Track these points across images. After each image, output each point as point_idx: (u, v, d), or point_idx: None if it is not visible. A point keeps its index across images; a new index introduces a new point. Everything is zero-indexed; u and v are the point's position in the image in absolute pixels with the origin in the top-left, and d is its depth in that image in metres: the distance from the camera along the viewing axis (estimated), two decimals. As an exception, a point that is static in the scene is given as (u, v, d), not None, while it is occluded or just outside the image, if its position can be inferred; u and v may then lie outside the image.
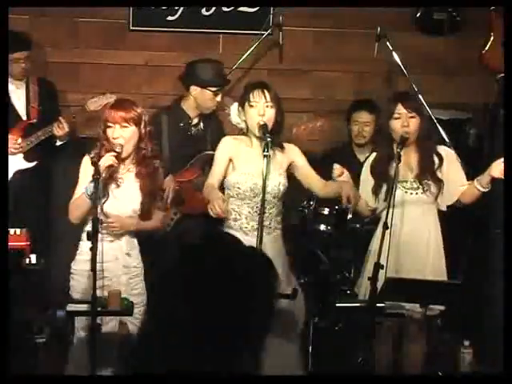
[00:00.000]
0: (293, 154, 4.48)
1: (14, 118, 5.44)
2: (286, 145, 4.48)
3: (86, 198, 4.10)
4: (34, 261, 4.72)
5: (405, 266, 4.43)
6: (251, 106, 4.33)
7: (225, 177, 4.41)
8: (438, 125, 5.59)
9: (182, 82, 5.37)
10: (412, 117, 4.42)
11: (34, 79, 5.58)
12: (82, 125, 5.69)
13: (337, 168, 4.49)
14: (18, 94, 5.53)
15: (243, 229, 4.38)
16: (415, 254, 4.47)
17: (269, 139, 4.22)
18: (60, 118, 5.32)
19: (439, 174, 4.47)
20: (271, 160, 4.27)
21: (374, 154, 4.65)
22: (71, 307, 4.06)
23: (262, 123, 4.29)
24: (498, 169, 4.26)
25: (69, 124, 5.31)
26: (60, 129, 5.30)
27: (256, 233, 4.30)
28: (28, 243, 4.74)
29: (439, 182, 4.46)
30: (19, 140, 5.38)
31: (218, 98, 5.24)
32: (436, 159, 4.47)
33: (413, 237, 4.45)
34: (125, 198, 4.24)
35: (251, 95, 4.33)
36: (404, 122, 4.40)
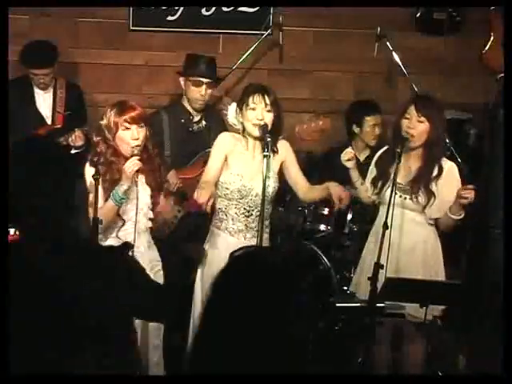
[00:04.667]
0: (284, 151, 4.45)
1: (39, 121, 5.44)
2: (279, 143, 4.45)
3: (113, 203, 4.09)
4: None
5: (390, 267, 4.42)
6: (250, 109, 4.31)
7: (220, 174, 4.39)
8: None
9: (179, 75, 5.42)
10: (420, 121, 4.39)
11: (61, 83, 5.55)
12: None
13: (348, 152, 4.53)
14: (44, 98, 5.50)
15: (229, 229, 4.38)
16: (402, 254, 4.46)
17: (269, 139, 4.22)
18: (76, 130, 5.29)
19: (433, 187, 4.43)
20: (263, 162, 4.24)
21: (386, 148, 4.65)
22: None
23: (261, 123, 4.28)
24: (458, 194, 4.29)
25: (85, 136, 5.27)
26: (77, 140, 5.26)
27: (241, 234, 4.35)
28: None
29: (430, 195, 4.41)
30: None
31: (202, 91, 5.26)
32: (436, 171, 4.42)
33: (397, 238, 4.44)
34: (139, 195, 4.24)
35: (251, 98, 4.31)
36: (411, 123, 4.38)
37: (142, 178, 4.28)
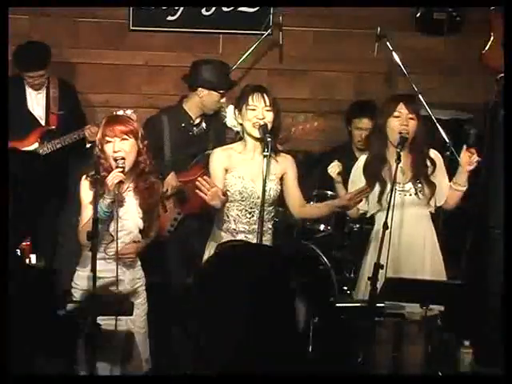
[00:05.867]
0: (287, 165, 4.42)
1: (31, 122, 5.39)
2: (283, 154, 4.44)
3: (99, 218, 3.93)
4: (34, 261, 4.72)
5: (401, 268, 4.43)
6: (250, 109, 4.29)
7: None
8: (437, 125, 5.60)
9: (188, 83, 5.36)
10: (411, 118, 4.43)
11: (54, 82, 5.51)
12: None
13: (335, 165, 4.57)
14: (37, 99, 5.46)
15: (230, 230, 4.37)
16: (410, 256, 4.47)
17: (269, 139, 4.21)
18: (90, 126, 5.24)
19: (432, 178, 4.49)
20: (264, 162, 4.23)
21: (366, 155, 4.63)
22: (71, 307, 4.03)
23: (262, 123, 4.27)
24: (466, 161, 4.38)
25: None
26: (91, 136, 5.15)
27: (243, 235, 4.32)
28: (28, 243, 4.74)
29: (433, 186, 4.48)
30: (36, 145, 5.34)
31: (223, 100, 5.23)
32: (429, 163, 4.50)
33: (407, 238, 4.45)
34: (129, 217, 4.14)
35: (250, 98, 4.29)
36: (403, 121, 4.41)
37: (132, 199, 4.15)
